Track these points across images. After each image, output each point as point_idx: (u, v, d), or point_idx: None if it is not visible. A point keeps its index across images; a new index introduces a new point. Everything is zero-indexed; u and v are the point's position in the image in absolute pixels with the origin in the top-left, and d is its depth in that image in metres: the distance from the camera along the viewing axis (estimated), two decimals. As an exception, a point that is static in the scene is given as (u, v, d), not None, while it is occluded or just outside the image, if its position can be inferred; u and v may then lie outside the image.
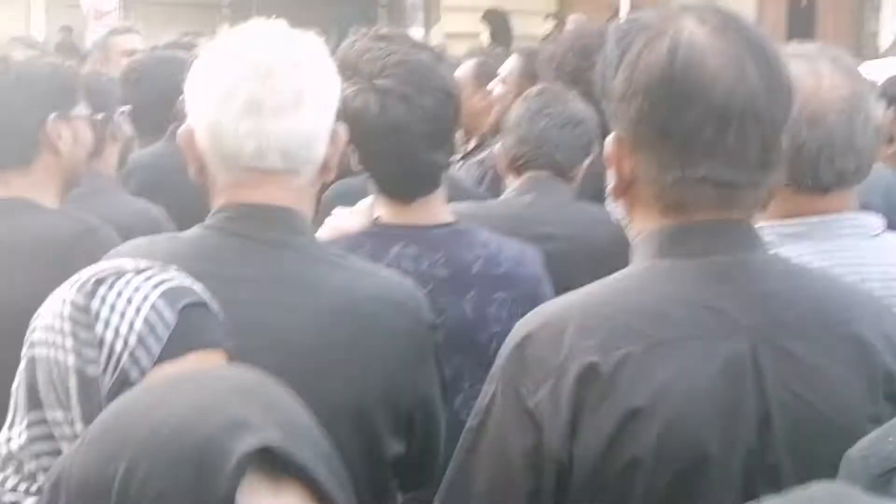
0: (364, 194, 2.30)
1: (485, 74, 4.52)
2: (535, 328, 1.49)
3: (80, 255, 2.17)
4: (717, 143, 1.44)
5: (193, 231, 1.83)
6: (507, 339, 1.53)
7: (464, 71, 4.56)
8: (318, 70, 1.79)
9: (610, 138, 1.54)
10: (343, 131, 1.87)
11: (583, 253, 2.64)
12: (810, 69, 1.84)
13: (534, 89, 3.13)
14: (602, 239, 2.66)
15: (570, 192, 2.94)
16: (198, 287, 1.40)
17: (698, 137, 1.44)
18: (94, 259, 2.04)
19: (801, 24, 13.46)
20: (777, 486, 1.34)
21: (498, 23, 11.25)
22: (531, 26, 11.73)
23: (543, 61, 3.77)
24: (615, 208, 1.65)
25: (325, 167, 1.83)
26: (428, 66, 2.21)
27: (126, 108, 3.19)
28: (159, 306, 1.33)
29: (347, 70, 2.11)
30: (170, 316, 1.33)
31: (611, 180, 1.56)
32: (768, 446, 1.41)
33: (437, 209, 2.26)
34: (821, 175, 1.84)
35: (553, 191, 2.90)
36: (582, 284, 1.56)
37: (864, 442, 1.29)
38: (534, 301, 2.00)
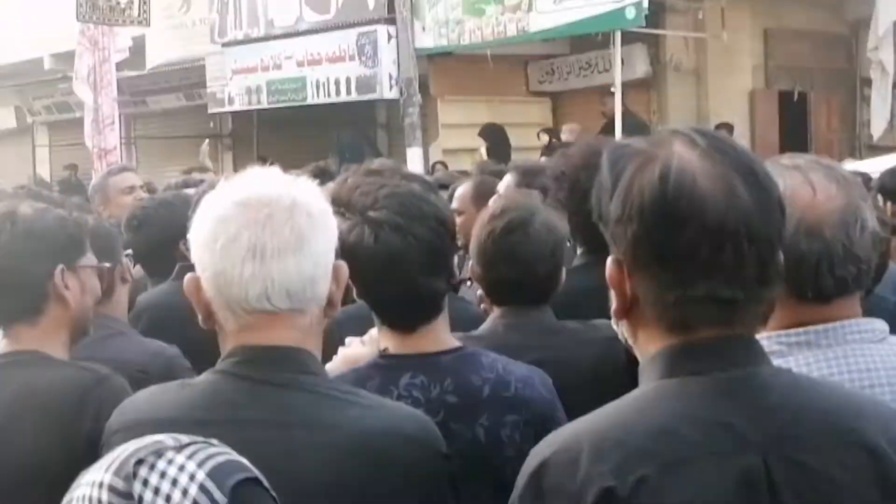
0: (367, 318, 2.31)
1: (485, 193, 4.52)
2: (549, 455, 1.48)
3: (90, 407, 2.21)
4: (714, 263, 1.45)
5: (205, 377, 1.86)
6: (522, 468, 1.52)
7: (463, 191, 4.59)
8: (314, 211, 1.83)
9: (609, 261, 1.55)
10: (344, 267, 1.90)
11: (570, 376, 2.63)
12: (804, 181, 1.85)
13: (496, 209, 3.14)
14: (588, 359, 2.66)
15: (549, 312, 2.92)
16: (244, 460, 1.35)
17: (695, 258, 1.46)
18: (104, 410, 2.05)
19: (794, 118, 13.63)
20: None
21: (495, 137, 11.40)
22: (528, 139, 11.89)
23: (553, 179, 3.78)
24: (619, 329, 1.64)
25: (329, 304, 1.86)
26: (419, 195, 2.26)
27: (129, 251, 3.24)
28: (208, 487, 1.27)
29: (341, 206, 2.16)
30: (220, 497, 1.27)
31: (613, 302, 1.57)
32: None
33: (441, 335, 2.27)
34: (822, 285, 1.84)
35: (533, 314, 2.87)
36: (573, 406, 1.56)
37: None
38: (545, 422, 1.98)
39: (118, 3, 9.87)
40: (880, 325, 1.91)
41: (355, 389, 1.91)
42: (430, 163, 12.11)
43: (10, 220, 2.53)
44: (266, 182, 1.83)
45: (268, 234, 1.75)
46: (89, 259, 2.61)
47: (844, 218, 1.86)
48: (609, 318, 1.63)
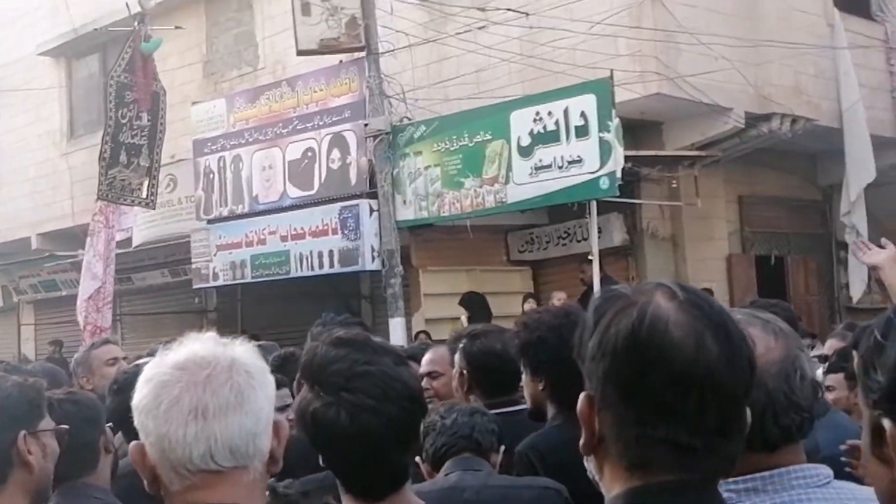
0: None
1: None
2: None
3: None
4: (676, 408, 1.49)
5: None
6: None
7: (441, 354, 4.66)
8: (252, 370, 1.87)
9: (582, 396, 1.58)
10: (284, 423, 1.92)
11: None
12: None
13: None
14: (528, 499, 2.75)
15: (489, 466, 3.07)
16: None
17: (659, 400, 1.49)
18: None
19: (773, 281, 13.75)
20: None
21: (476, 305, 11.46)
22: (510, 306, 11.93)
23: (520, 347, 3.89)
24: (588, 464, 1.68)
25: (271, 459, 1.88)
26: (391, 375, 2.28)
27: (110, 423, 3.25)
28: None
29: (314, 382, 2.23)
30: None
31: (583, 437, 1.60)
32: None
33: (406, 498, 2.30)
34: (767, 434, 1.88)
35: (477, 465, 3.06)
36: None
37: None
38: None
39: (130, 184, 10.11)
40: (825, 470, 1.94)
41: None
42: (413, 332, 12.13)
43: None
44: (204, 345, 1.88)
45: (209, 395, 1.79)
46: (48, 423, 2.64)
47: (784, 369, 1.93)
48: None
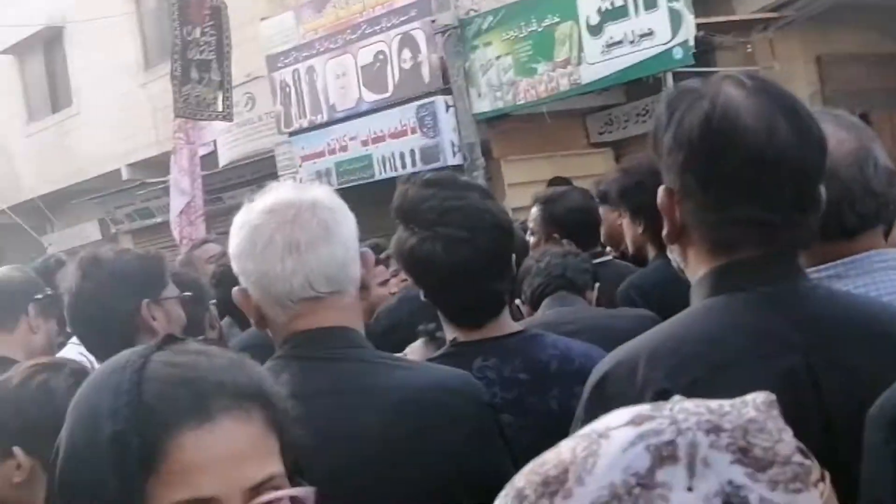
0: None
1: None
2: (610, 368, 1.61)
3: None
4: (753, 189, 1.56)
5: (268, 364, 1.97)
6: (587, 383, 1.64)
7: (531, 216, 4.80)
8: (334, 206, 2.01)
9: (661, 190, 1.67)
10: (370, 254, 2.07)
11: (606, 339, 2.83)
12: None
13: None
14: (622, 327, 2.78)
15: (585, 302, 3.14)
16: None
17: (735, 183, 1.57)
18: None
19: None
20: (846, 480, 1.35)
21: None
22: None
23: (618, 194, 4.01)
24: (672, 254, 1.75)
25: (362, 287, 2.02)
26: (480, 207, 2.36)
27: (213, 301, 3.41)
28: None
29: (409, 221, 2.31)
30: None
31: (665, 228, 1.69)
32: (832, 449, 1.44)
33: (506, 323, 2.39)
34: (845, 222, 1.94)
35: (572, 302, 3.15)
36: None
37: (880, 399, 1.37)
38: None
39: (205, 99, 10.23)
40: None
41: (399, 356, 2.05)
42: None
43: (94, 264, 2.70)
44: (286, 190, 2.00)
45: (298, 231, 1.92)
46: (171, 290, 2.77)
47: (858, 159, 1.97)
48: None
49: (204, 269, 4.87)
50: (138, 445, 1.06)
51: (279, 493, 1.13)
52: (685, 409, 0.79)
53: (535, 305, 3.20)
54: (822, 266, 1.92)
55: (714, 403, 0.81)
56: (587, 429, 0.79)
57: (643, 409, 0.81)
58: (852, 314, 1.63)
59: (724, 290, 1.61)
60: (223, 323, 3.87)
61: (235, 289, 2.02)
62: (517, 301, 3.24)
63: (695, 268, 1.67)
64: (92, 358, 2.73)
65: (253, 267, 1.95)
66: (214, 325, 3.30)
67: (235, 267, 2.00)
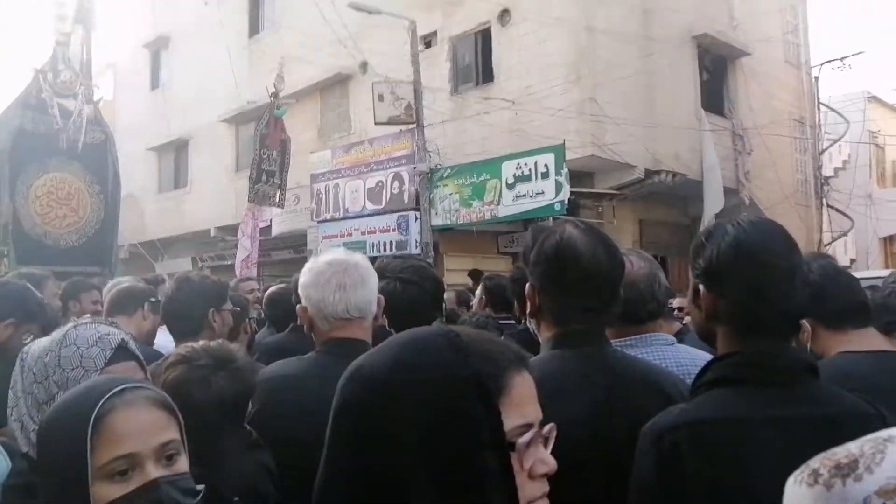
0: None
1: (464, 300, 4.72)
2: None
3: None
4: (582, 288, 1.54)
5: (310, 355, 1.94)
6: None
7: (448, 297, 4.74)
8: (366, 266, 1.98)
9: (527, 286, 1.62)
10: (382, 299, 2.02)
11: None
12: (626, 259, 1.96)
13: None
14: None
15: None
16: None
17: (572, 284, 1.54)
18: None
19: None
20: (623, 483, 1.35)
21: (477, 277, 11.46)
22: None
23: (510, 281, 3.90)
24: (531, 325, 1.68)
25: (375, 317, 1.97)
26: (424, 266, 2.37)
27: (253, 315, 3.36)
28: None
29: (384, 272, 2.26)
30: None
31: (528, 308, 1.63)
32: (616, 456, 1.41)
33: None
34: (638, 313, 1.91)
35: None
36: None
37: (650, 421, 1.33)
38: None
39: (267, 193, 10.16)
40: (672, 338, 1.96)
41: None
42: (439, 293, 12.08)
43: (184, 281, 2.67)
44: (338, 252, 1.99)
45: (346, 277, 1.90)
46: (228, 305, 2.71)
47: (648, 278, 1.95)
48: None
49: (244, 293, 4.79)
50: None
51: None
52: None
53: None
54: (621, 339, 1.88)
55: None
56: (873, 435, 0.67)
57: None
58: (636, 369, 1.59)
59: (560, 347, 1.57)
60: (264, 329, 3.78)
61: (299, 306, 1.97)
62: None
63: (545, 333, 1.62)
64: (172, 342, 2.66)
65: (315, 294, 1.91)
66: (247, 330, 3.23)
67: (301, 293, 1.95)
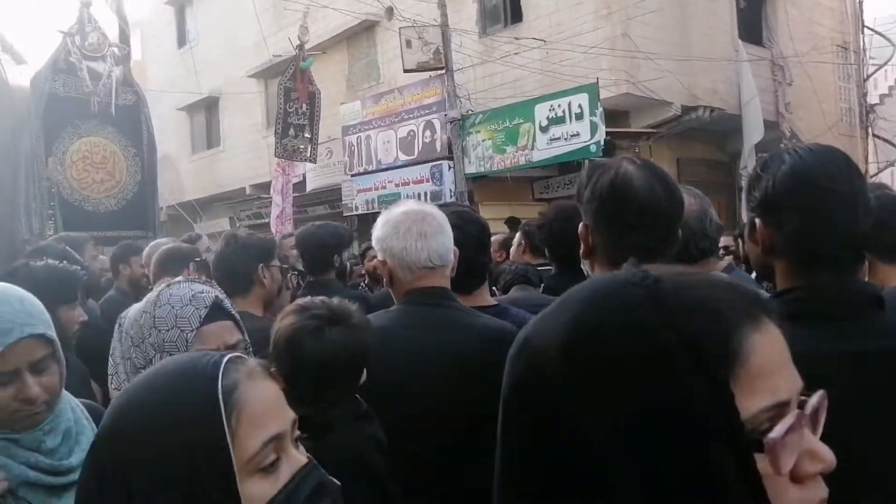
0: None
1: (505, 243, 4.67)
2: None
3: None
4: (638, 227, 1.51)
5: (396, 307, 1.94)
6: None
7: (500, 239, 4.70)
8: (441, 216, 1.97)
9: (581, 225, 1.60)
10: (457, 250, 1.99)
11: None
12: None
13: None
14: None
15: (536, 291, 3.04)
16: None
17: (628, 222, 1.51)
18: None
19: (697, 211, 13.46)
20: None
21: (512, 225, 11.44)
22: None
23: (537, 227, 3.87)
24: (584, 265, 1.65)
25: (452, 266, 1.97)
26: (467, 210, 2.35)
27: (295, 271, 3.38)
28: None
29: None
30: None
31: (581, 249, 1.61)
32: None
33: (486, 297, 2.28)
34: (690, 252, 1.92)
35: (528, 290, 3.01)
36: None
37: None
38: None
39: (298, 147, 10.14)
40: (724, 276, 1.95)
41: (476, 311, 2.00)
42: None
43: (233, 238, 2.68)
44: (412, 203, 1.98)
45: (425, 225, 1.89)
46: (276, 262, 2.70)
47: (699, 215, 1.95)
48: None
49: (287, 251, 4.83)
50: None
51: None
52: None
53: (506, 291, 3.14)
54: None
55: None
56: None
57: None
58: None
59: None
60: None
61: (377, 259, 1.96)
62: (494, 288, 3.17)
63: (598, 273, 1.59)
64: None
65: (395, 244, 1.90)
66: (289, 286, 3.24)
67: (379, 246, 1.93)
